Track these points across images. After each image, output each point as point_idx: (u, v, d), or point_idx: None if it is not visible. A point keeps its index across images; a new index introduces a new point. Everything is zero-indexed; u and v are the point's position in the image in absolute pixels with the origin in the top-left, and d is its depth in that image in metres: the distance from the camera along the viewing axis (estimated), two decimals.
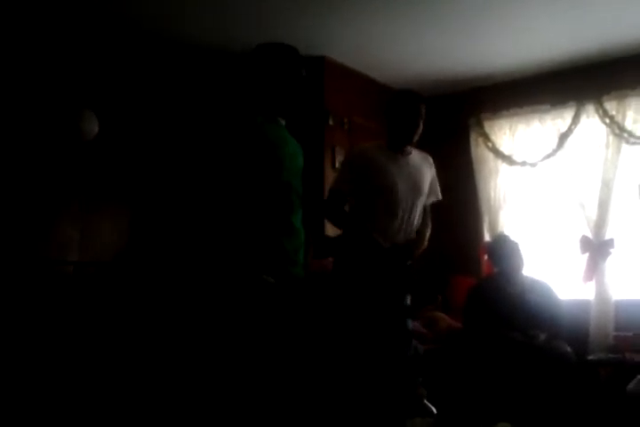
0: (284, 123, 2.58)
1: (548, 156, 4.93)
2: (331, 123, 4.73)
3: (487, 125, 5.22)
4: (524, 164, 5.03)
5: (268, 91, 2.52)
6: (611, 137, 4.66)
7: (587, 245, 4.66)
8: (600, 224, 4.63)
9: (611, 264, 4.62)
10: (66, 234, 4.16)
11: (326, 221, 3.67)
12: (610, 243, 4.61)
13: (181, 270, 4.32)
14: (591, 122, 4.79)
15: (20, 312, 3.72)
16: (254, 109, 2.53)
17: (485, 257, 4.69)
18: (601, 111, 4.71)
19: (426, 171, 3.29)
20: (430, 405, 3.05)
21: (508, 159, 5.10)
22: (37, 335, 3.72)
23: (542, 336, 3.96)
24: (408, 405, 2.97)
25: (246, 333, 2.37)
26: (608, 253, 4.61)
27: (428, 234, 3.30)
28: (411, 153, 3.28)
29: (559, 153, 4.88)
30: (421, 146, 5.54)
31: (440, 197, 3.37)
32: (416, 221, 3.19)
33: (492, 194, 5.13)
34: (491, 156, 5.18)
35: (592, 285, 4.64)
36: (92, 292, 4.09)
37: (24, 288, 3.78)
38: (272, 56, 2.55)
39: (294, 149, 2.55)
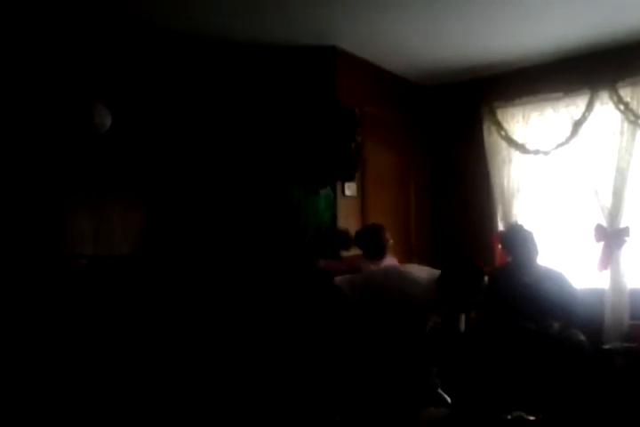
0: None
1: (562, 144, 4.88)
2: None
3: (500, 114, 5.17)
4: (537, 152, 4.99)
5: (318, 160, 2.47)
6: (625, 124, 4.61)
7: (601, 233, 4.62)
8: (615, 212, 4.59)
9: (626, 253, 4.59)
10: (80, 227, 4.19)
11: None
12: (625, 231, 4.57)
13: (198, 266, 4.36)
14: (605, 109, 4.73)
15: (34, 304, 3.76)
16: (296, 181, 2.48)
17: (499, 247, 4.68)
18: (615, 98, 4.65)
19: None
20: (444, 394, 3.06)
21: (521, 148, 5.06)
22: (51, 329, 3.76)
23: (556, 326, 3.95)
24: (422, 394, 2.99)
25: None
26: (623, 242, 4.57)
27: None
28: None
29: (573, 141, 4.83)
30: (434, 135, 5.57)
31: None
32: None
33: (506, 183, 5.10)
34: (504, 144, 5.14)
35: (607, 273, 4.61)
36: (108, 285, 4.13)
37: (39, 281, 3.83)
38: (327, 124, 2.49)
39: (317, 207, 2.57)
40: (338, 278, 2.90)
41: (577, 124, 4.82)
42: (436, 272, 3.05)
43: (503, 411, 2.95)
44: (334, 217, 4.05)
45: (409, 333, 2.86)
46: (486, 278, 3.04)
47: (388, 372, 2.87)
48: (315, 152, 2.51)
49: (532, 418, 2.87)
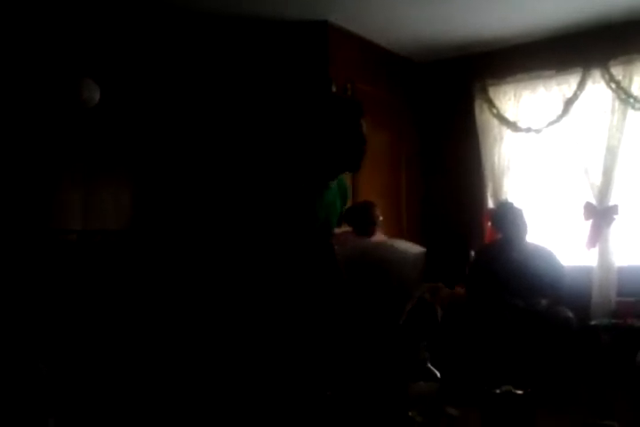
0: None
1: (553, 122, 4.88)
2: (334, 90, 4.68)
3: (492, 91, 5.16)
4: (528, 130, 5.00)
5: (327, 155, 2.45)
6: (616, 102, 4.61)
7: (590, 211, 4.65)
8: (604, 191, 4.62)
9: (614, 231, 4.63)
10: (68, 202, 4.17)
11: None
12: (614, 209, 4.60)
13: (188, 242, 4.34)
14: (597, 87, 4.74)
15: (23, 279, 3.75)
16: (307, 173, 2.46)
17: (489, 224, 4.70)
18: (607, 76, 4.65)
19: None
20: (434, 369, 3.08)
21: (512, 125, 5.06)
22: (40, 303, 3.75)
23: (544, 302, 3.99)
24: (412, 369, 3.01)
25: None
26: (612, 220, 4.61)
27: None
28: None
29: (564, 119, 4.84)
30: (426, 112, 5.54)
31: None
32: None
33: (496, 160, 5.10)
34: (495, 122, 5.13)
35: (595, 251, 4.65)
36: (98, 260, 4.12)
37: (28, 256, 3.81)
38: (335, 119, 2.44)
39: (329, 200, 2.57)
40: None
41: (568, 103, 4.81)
42: (420, 249, 3.08)
43: (492, 385, 2.98)
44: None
45: (396, 307, 2.88)
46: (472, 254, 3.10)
47: (378, 346, 2.89)
48: (320, 146, 2.48)
49: (520, 392, 2.90)
